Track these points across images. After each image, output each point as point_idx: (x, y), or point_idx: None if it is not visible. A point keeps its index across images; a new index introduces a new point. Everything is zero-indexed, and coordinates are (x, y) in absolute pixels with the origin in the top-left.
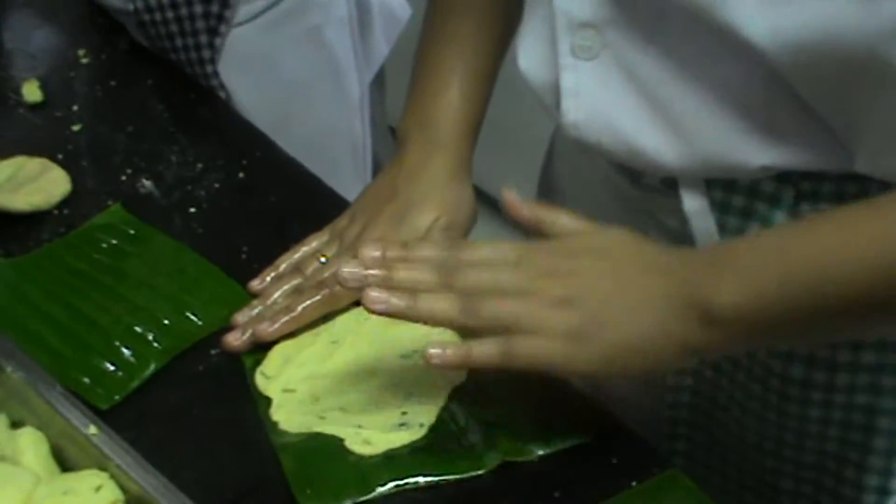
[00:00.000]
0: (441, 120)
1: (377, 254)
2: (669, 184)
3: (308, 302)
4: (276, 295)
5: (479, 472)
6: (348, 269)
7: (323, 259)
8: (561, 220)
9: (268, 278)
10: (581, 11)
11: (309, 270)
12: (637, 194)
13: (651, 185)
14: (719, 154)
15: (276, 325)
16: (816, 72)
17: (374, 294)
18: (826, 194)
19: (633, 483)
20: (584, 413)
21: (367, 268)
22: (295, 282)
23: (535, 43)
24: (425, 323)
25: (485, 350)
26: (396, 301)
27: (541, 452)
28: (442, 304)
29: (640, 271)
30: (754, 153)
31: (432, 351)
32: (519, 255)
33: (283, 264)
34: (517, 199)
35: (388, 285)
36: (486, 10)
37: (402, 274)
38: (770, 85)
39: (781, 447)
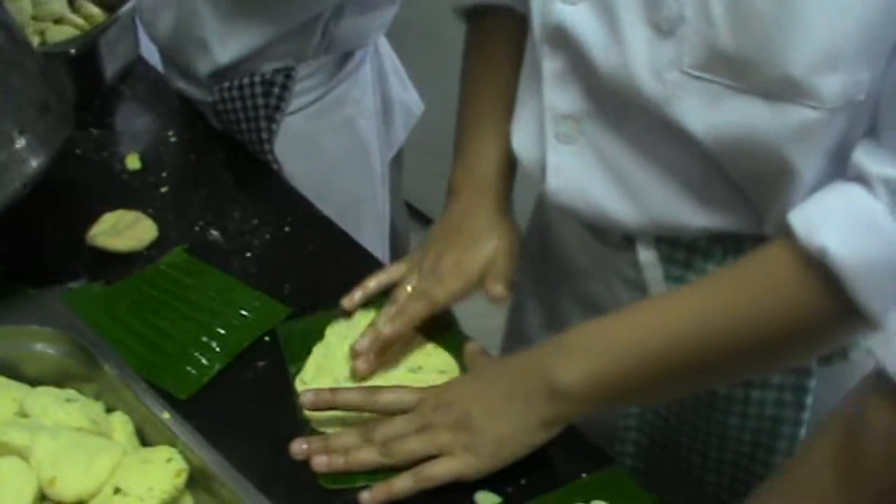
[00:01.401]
0: (485, 171)
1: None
2: (628, 241)
3: (417, 308)
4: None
5: None
6: (297, 446)
7: (409, 288)
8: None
9: (356, 296)
10: (564, 105)
11: (401, 297)
12: (603, 249)
13: (613, 243)
14: (666, 217)
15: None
16: (741, 158)
17: (320, 460)
18: (746, 251)
19: (583, 475)
20: None
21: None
22: (394, 307)
23: (527, 129)
24: (358, 471)
25: (402, 484)
26: (335, 460)
27: None
28: (367, 456)
29: (504, 380)
30: (693, 217)
31: (363, 497)
32: (417, 398)
33: (372, 283)
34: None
35: (326, 450)
36: (511, 79)
37: (335, 442)
38: (706, 166)
39: (707, 448)
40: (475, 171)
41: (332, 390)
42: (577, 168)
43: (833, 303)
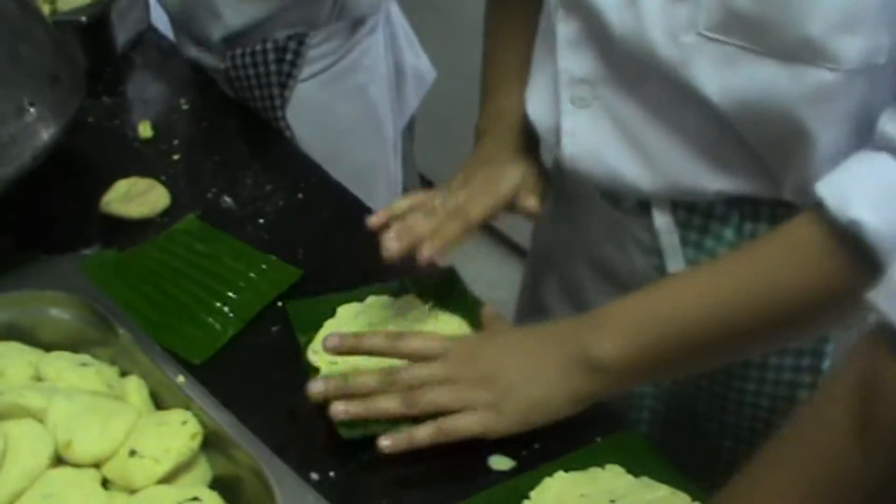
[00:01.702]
0: (511, 116)
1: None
2: (644, 206)
3: (452, 227)
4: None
5: None
6: (314, 386)
7: (437, 201)
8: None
9: (381, 214)
10: (579, 70)
11: (431, 206)
12: (618, 215)
13: (628, 208)
14: (682, 181)
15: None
16: (756, 122)
17: (338, 407)
18: (763, 216)
19: (598, 439)
20: None
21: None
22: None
23: (541, 94)
24: (380, 418)
25: (423, 433)
26: (355, 408)
27: None
28: (388, 403)
29: (536, 345)
30: (709, 181)
31: (382, 444)
32: (444, 347)
33: (400, 203)
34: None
35: (345, 394)
36: (530, 22)
37: (354, 383)
38: (722, 130)
39: (724, 414)
40: (501, 116)
41: (357, 335)
42: (592, 132)
43: (865, 274)
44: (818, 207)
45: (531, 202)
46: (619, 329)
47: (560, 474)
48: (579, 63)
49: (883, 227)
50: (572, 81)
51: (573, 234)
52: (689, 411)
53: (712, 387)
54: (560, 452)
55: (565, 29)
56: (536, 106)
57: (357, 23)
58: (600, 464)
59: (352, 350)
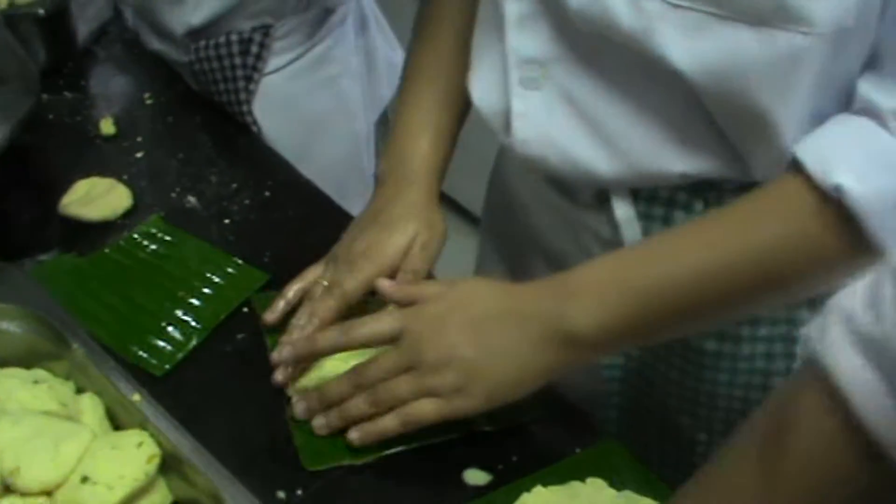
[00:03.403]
0: (413, 163)
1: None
2: (601, 199)
3: (327, 306)
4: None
5: (451, 438)
6: (299, 407)
7: (325, 283)
8: (426, 290)
9: (279, 307)
10: (528, 49)
11: (317, 292)
12: (572, 209)
13: (585, 201)
14: (645, 163)
15: (307, 331)
16: (724, 93)
17: (318, 422)
18: (728, 203)
19: (578, 450)
20: (542, 394)
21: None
22: (307, 309)
23: (487, 78)
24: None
25: (388, 423)
26: (334, 420)
27: (504, 425)
28: (357, 405)
29: (498, 320)
30: (673, 161)
31: (352, 436)
32: (396, 328)
33: (291, 293)
34: (388, 286)
35: (323, 403)
36: (452, 75)
37: (329, 392)
38: (687, 106)
39: (697, 407)
40: (403, 163)
41: (311, 337)
42: (544, 115)
43: (847, 238)
44: (797, 171)
45: (416, 266)
46: (593, 297)
47: (538, 489)
48: (529, 42)
49: (867, 193)
50: (521, 62)
51: (523, 231)
52: (660, 408)
53: (683, 380)
54: (538, 465)
55: (514, 7)
56: (482, 91)
57: (326, 12)
58: (580, 477)
59: (308, 355)
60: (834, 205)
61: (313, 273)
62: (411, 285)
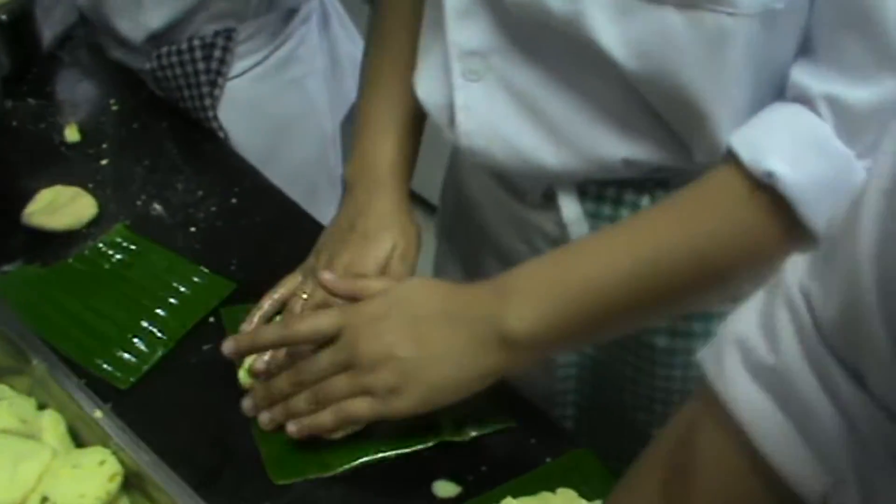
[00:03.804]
0: (379, 166)
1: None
2: (549, 198)
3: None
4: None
5: (421, 447)
6: (247, 404)
7: (304, 296)
8: (370, 287)
9: (255, 319)
10: (469, 42)
11: (297, 307)
12: (521, 208)
13: (533, 201)
14: (588, 150)
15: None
16: (656, 78)
17: (263, 417)
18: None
19: (548, 459)
20: (512, 403)
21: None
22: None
23: (432, 72)
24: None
25: (324, 419)
26: (278, 415)
27: (474, 434)
28: (302, 404)
29: (437, 322)
30: (616, 148)
31: (290, 430)
32: (336, 323)
33: (267, 304)
34: (331, 280)
35: (268, 398)
36: (410, 75)
37: (273, 388)
38: (625, 92)
39: (653, 403)
40: (370, 168)
41: (252, 332)
42: (486, 106)
43: (782, 225)
44: (731, 160)
45: (397, 274)
46: (529, 299)
47: (508, 501)
48: (469, 34)
49: (800, 178)
50: (463, 54)
51: (474, 225)
52: (616, 405)
53: (638, 377)
54: (508, 476)
55: (453, 0)
56: (426, 86)
57: (289, 13)
58: (551, 487)
59: (249, 350)
60: (767, 192)
61: (291, 283)
62: (356, 280)
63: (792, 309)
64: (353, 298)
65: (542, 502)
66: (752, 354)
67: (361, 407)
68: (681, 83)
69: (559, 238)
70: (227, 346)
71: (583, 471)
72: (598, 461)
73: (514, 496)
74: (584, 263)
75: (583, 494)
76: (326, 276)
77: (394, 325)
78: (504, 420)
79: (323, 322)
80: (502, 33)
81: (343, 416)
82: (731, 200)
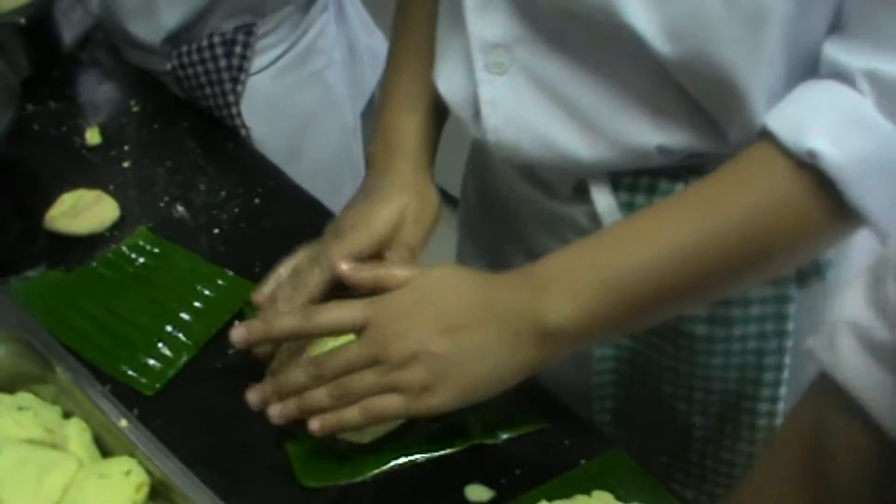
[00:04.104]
0: (403, 137)
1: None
2: (581, 191)
3: (313, 276)
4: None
5: (452, 452)
6: (252, 397)
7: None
8: (394, 277)
9: (268, 285)
10: (492, 34)
11: (304, 267)
12: (552, 204)
13: (565, 194)
14: (621, 139)
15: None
16: (691, 60)
17: (273, 411)
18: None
19: (582, 461)
20: (544, 403)
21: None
22: (293, 281)
23: (453, 65)
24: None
25: (350, 415)
26: (288, 407)
27: (505, 436)
28: (320, 399)
29: (470, 316)
30: (648, 134)
31: (312, 426)
32: (365, 316)
33: (283, 269)
34: (352, 269)
35: (279, 392)
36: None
37: (285, 380)
38: (657, 77)
39: (692, 392)
40: (392, 139)
41: (266, 320)
42: (513, 99)
43: (826, 205)
44: (768, 140)
45: (409, 239)
46: (568, 289)
47: None
48: (491, 26)
49: (843, 156)
50: (485, 47)
51: (500, 223)
52: (654, 396)
53: (677, 367)
54: (542, 478)
55: None
56: (448, 81)
57: (307, 5)
58: (586, 490)
59: (263, 338)
60: (809, 171)
61: (304, 251)
62: (377, 268)
63: None
64: (374, 289)
65: None
66: (867, 334)
67: (392, 405)
68: (717, 64)
69: (592, 231)
70: (237, 334)
71: (619, 473)
72: (634, 462)
73: (549, 499)
74: (620, 249)
75: (619, 497)
76: (344, 267)
77: (424, 319)
78: (536, 421)
79: (348, 315)
80: (525, 23)
81: (372, 415)
82: (771, 178)
